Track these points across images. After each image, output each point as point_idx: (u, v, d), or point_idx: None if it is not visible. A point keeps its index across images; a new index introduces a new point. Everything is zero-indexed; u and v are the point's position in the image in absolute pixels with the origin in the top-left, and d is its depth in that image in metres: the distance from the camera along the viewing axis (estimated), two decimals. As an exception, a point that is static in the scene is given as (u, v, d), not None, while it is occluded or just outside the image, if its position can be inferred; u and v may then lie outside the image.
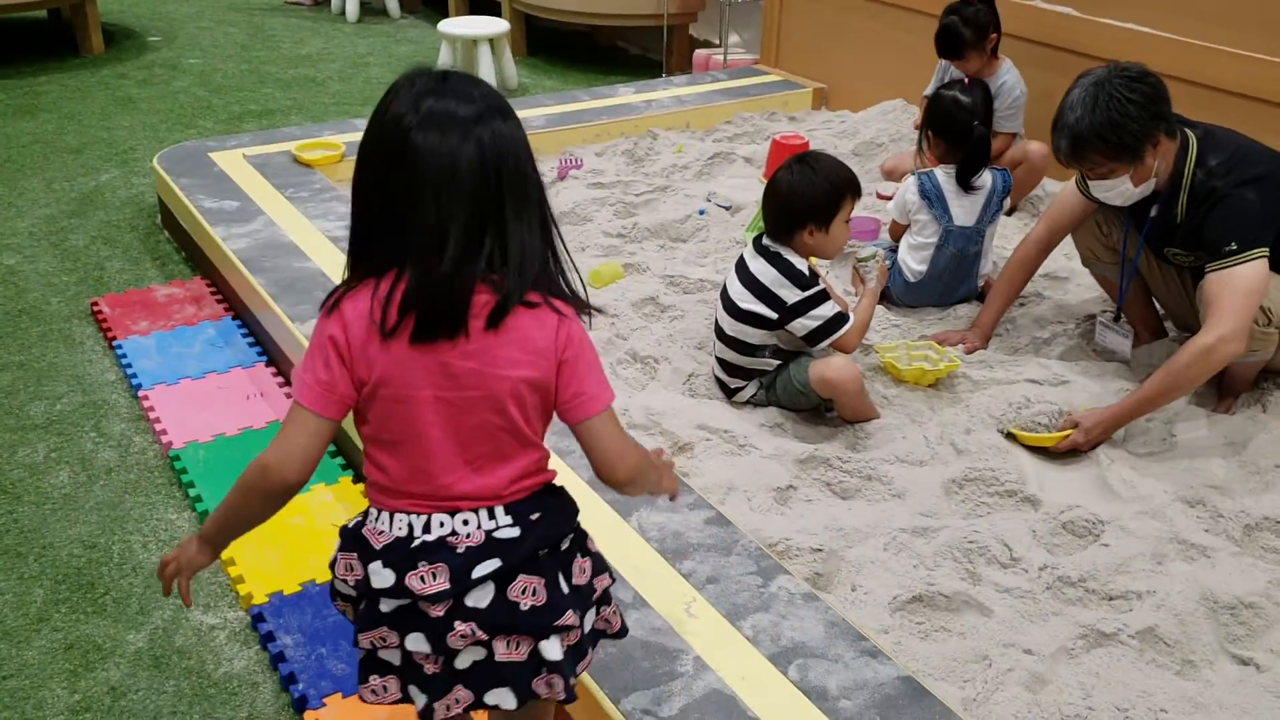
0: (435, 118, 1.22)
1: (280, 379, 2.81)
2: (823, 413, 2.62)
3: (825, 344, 2.51)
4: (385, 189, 1.24)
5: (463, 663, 1.33)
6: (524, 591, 1.32)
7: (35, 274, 3.37)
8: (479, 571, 1.30)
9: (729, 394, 2.67)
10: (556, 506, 1.41)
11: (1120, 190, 2.47)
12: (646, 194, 3.87)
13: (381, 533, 1.33)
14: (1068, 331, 2.95)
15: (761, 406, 2.63)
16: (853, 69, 4.65)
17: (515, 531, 1.33)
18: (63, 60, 5.58)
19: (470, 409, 1.29)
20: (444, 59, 5.22)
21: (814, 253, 2.59)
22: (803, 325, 2.49)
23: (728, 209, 3.73)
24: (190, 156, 3.72)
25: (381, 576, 1.30)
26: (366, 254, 1.28)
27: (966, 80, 3.38)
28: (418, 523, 1.32)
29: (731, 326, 2.59)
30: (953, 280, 3.08)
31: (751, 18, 5.44)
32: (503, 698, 1.34)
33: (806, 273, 2.53)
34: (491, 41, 5.20)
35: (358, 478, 2.44)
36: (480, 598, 1.31)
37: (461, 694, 1.33)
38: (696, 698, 1.66)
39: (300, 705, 1.86)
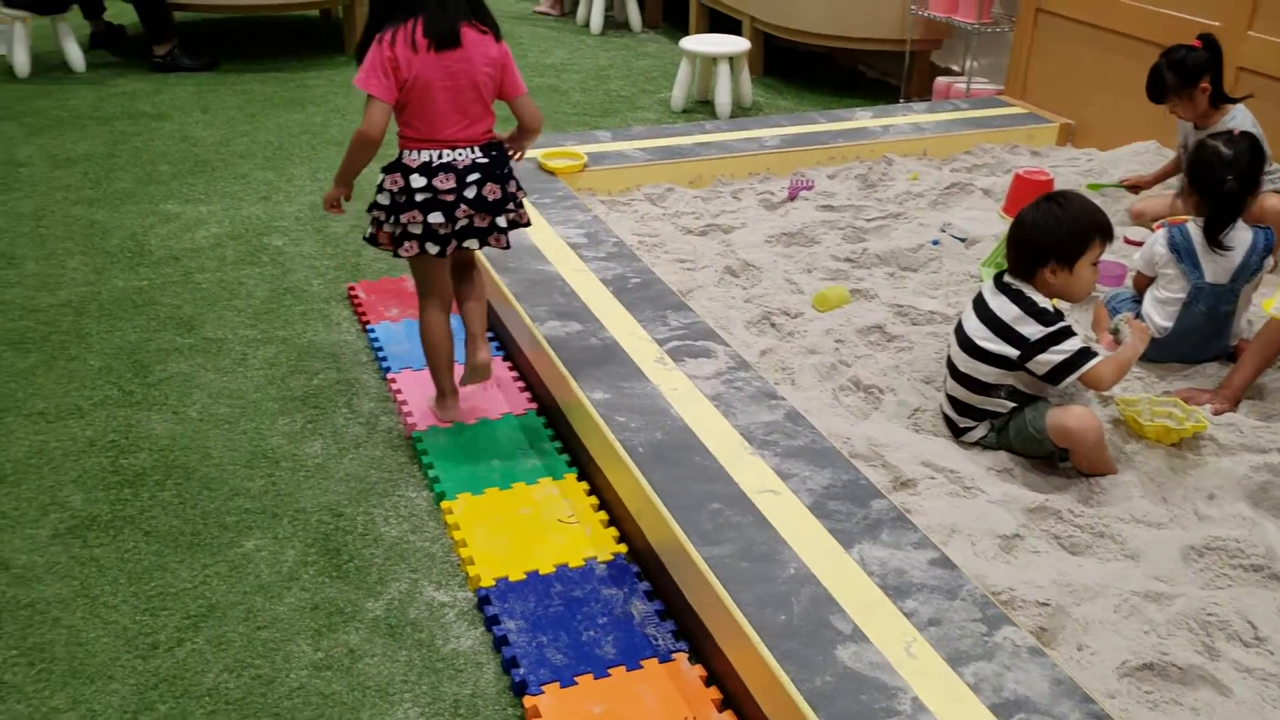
0: None
1: (515, 373, 2.93)
2: (1055, 462, 2.53)
3: (1070, 380, 2.42)
4: None
5: (459, 226, 2.43)
6: (490, 190, 2.45)
7: (299, 256, 3.63)
8: (469, 178, 2.42)
9: (957, 433, 2.62)
10: (500, 150, 2.51)
11: None
12: (878, 220, 3.83)
13: (414, 161, 2.40)
14: (1332, 402, 2.75)
15: (991, 449, 2.57)
16: (1104, 106, 4.47)
17: (485, 158, 2.45)
18: (330, 57, 6.00)
19: (460, 90, 2.38)
20: (682, 74, 5.32)
21: (1057, 294, 2.51)
22: (1046, 361, 2.42)
23: (962, 241, 3.66)
24: (444, 156, 3.92)
25: (418, 180, 2.40)
26: (391, 14, 2.32)
27: (1235, 131, 3.19)
28: (434, 154, 2.41)
29: (966, 364, 2.54)
30: (1201, 339, 2.91)
31: (997, 48, 5.31)
32: (472, 245, 2.48)
33: (1050, 309, 2.46)
34: (731, 60, 5.26)
35: (581, 475, 2.52)
36: (470, 192, 2.42)
37: (454, 243, 2.45)
38: (913, 738, 1.65)
39: (520, 689, 1.94)
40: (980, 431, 2.58)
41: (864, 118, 4.64)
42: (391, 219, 2.43)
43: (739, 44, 5.31)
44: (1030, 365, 2.45)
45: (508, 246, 2.54)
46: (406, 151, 2.42)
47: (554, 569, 2.22)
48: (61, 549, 2.27)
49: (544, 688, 1.94)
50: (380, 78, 2.31)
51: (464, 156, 2.42)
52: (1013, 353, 2.46)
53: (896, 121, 4.59)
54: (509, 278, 3.05)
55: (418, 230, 2.42)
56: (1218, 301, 2.86)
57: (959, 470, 2.46)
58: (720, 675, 1.98)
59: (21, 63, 5.39)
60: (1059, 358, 2.42)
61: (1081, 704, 1.72)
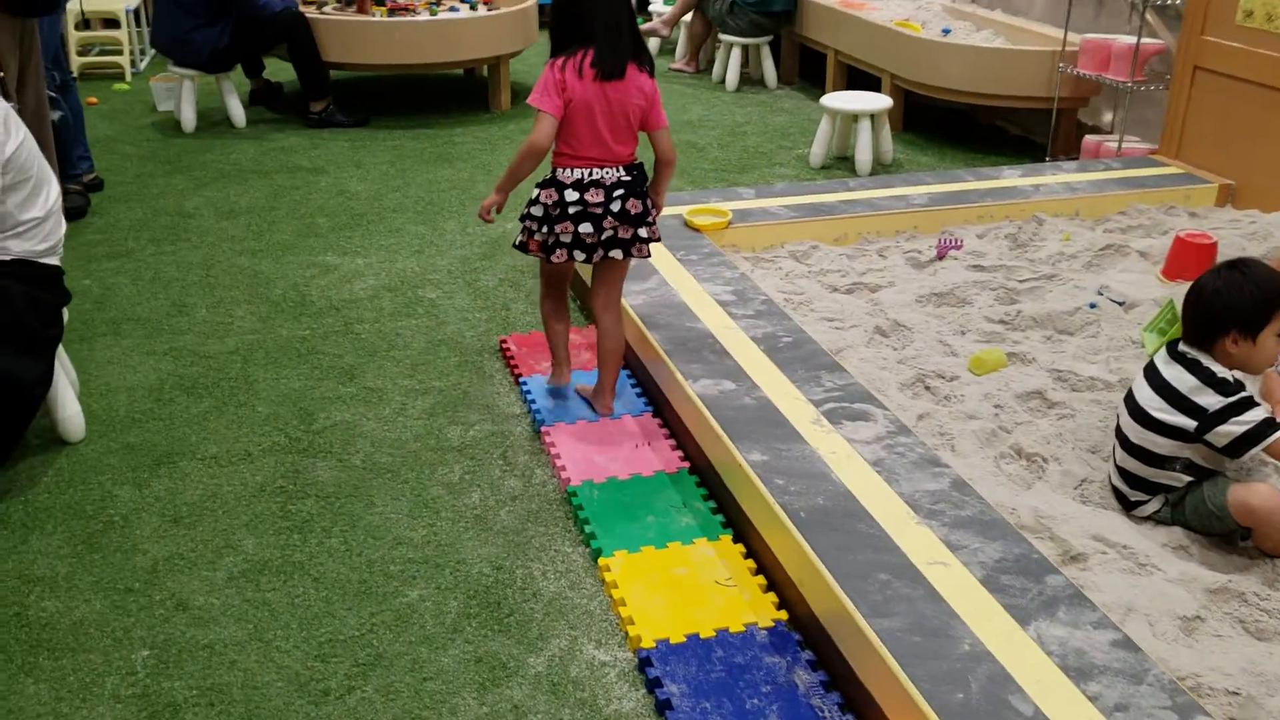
0: None
1: (666, 431, 2.94)
2: (1236, 540, 2.42)
3: (1253, 453, 2.32)
4: (578, 4, 2.67)
5: (605, 236, 2.75)
6: (632, 204, 2.76)
7: (453, 308, 3.72)
8: (615, 193, 2.74)
9: (1128, 506, 2.53)
10: (641, 170, 2.82)
11: None
12: (1031, 281, 3.75)
13: (568, 178, 2.73)
14: None
15: (1165, 524, 2.47)
16: (1267, 166, 4.31)
17: (629, 177, 2.77)
18: (475, 114, 6.18)
19: (614, 116, 2.70)
20: (822, 130, 5.32)
21: (1238, 365, 2.42)
22: (1227, 433, 2.32)
23: (1121, 304, 3.55)
24: (592, 212, 3.99)
25: (571, 194, 2.72)
26: (566, 44, 2.69)
27: None
28: (585, 172, 2.73)
29: (1138, 435, 2.45)
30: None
31: (1148, 106, 5.17)
32: (617, 254, 2.79)
33: (1230, 379, 2.37)
34: (872, 116, 5.24)
35: (737, 537, 2.50)
36: (616, 206, 2.74)
37: (600, 253, 2.77)
38: (1107, 833, 1.57)
39: (684, 756, 1.92)
40: (1153, 506, 2.48)
41: (1012, 176, 4.56)
42: (544, 229, 2.77)
43: (881, 101, 5.29)
44: (1209, 437, 2.36)
45: (649, 255, 2.88)
46: (561, 169, 2.75)
47: (714, 633, 2.20)
48: (236, 592, 2.34)
49: (709, 755, 1.91)
50: (552, 96, 2.66)
51: (611, 175, 2.75)
52: (1190, 424, 2.37)
53: (1047, 180, 4.50)
54: (660, 334, 3.07)
55: (568, 239, 2.75)
56: None
57: (1132, 546, 2.36)
58: (890, 752, 1.92)
59: (189, 118, 5.69)
60: (1241, 429, 2.32)
61: (1288, 806, 1.62)
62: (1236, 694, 1.96)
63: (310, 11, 5.90)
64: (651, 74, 2.78)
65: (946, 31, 6.11)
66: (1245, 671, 2.02)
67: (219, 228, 4.42)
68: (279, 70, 6.46)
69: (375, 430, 2.97)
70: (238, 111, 5.81)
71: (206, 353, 3.39)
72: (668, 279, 3.44)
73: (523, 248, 2.87)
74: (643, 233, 2.80)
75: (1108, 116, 5.56)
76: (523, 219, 2.84)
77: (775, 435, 2.57)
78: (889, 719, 1.91)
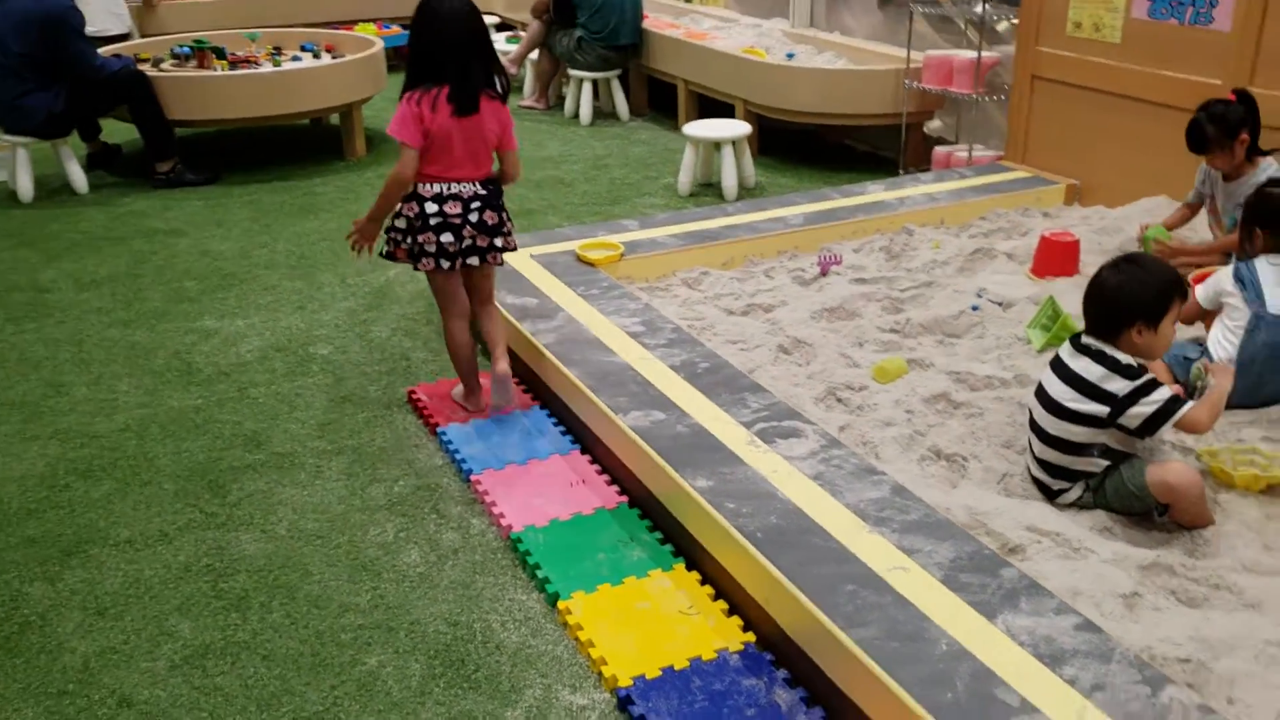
0: (456, 8, 2.89)
1: (598, 466, 2.93)
2: (1154, 517, 2.57)
3: (1165, 428, 2.46)
4: (433, 45, 2.89)
5: (464, 245, 3.01)
6: (489, 216, 3.04)
7: (348, 364, 3.63)
8: (473, 205, 3.00)
9: (1050, 496, 2.65)
10: (496, 185, 3.08)
11: None
12: (912, 289, 3.90)
13: (428, 192, 2.97)
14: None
15: (1087, 509, 2.60)
16: (1107, 165, 4.61)
17: (485, 191, 3.03)
18: (331, 164, 6.04)
19: (472, 141, 2.96)
20: (687, 159, 5.42)
21: (1141, 353, 2.57)
22: (1138, 414, 2.46)
23: (1000, 305, 3.73)
24: (481, 254, 3.96)
25: (431, 206, 2.97)
26: (422, 79, 2.91)
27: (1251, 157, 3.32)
28: (444, 187, 2.97)
29: (1055, 426, 2.58)
30: (1265, 371, 2.97)
31: (988, 116, 5.47)
32: (474, 261, 3.05)
33: (1134, 364, 2.52)
34: (734, 143, 5.37)
35: (690, 565, 2.51)
36: (474, 217, 3.01)
37: (460, 260, 3.03)
38: (1114, 807, 1.64)
39: (684, 790, 1.92)
40: (1075, 493, 2.62)
41: (877, 191, 4.75)
42: (408, 239, 3.02)
43: (741, 127, 5.43)
44: (1123, 420, 2.50)
45: (503, 264, 3.20)
46: (421, 184, 2.98)
47: (688, 663, 2.21)
48: (182, 680, 2.22)
49: (709, 786, 1.91)
50: (411, 129, 2.89)
51: (468, 189, 3.01)
52: (1103, 410, 2.51)
53: (909, 193, 4.70)
54: (578, 370, 3.07)
55: (432, 249, 3.00)
56: (1278, 333, 2.93)
57: (1064, 533, 2.48)
58: (883, 758, 1.96)
59: (25, 187, 5.38)
60: (1151, 409, 2.46)
61: (1265, 759, 1.73)
62: (1188, 661, 2.08)
63: (149, 69, 5.67)
64: (505, 99, 3.06)
65: (791, 56, 6.32)
66: (1191, 639, 2.14)
67: (81, 300, 4.19)
68: (114, 131, 6.18)
69: (294, 496, 2.86)
70: (79, 177, 5.53)
71: (95, 432, 3.20)
72: (574, 315, 3.44)
73: (391, 256, 3.11)
74: (499, 242, 3.10)
75: (950, 128, 5.85)
76: (388, 231, 3.09)
77: (715, 460, 2.60)
78: (878, 725, 1.95)
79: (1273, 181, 3.16)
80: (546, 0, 6.92)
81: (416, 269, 3.06)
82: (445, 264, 3.02)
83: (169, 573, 2.56)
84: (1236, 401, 3.01)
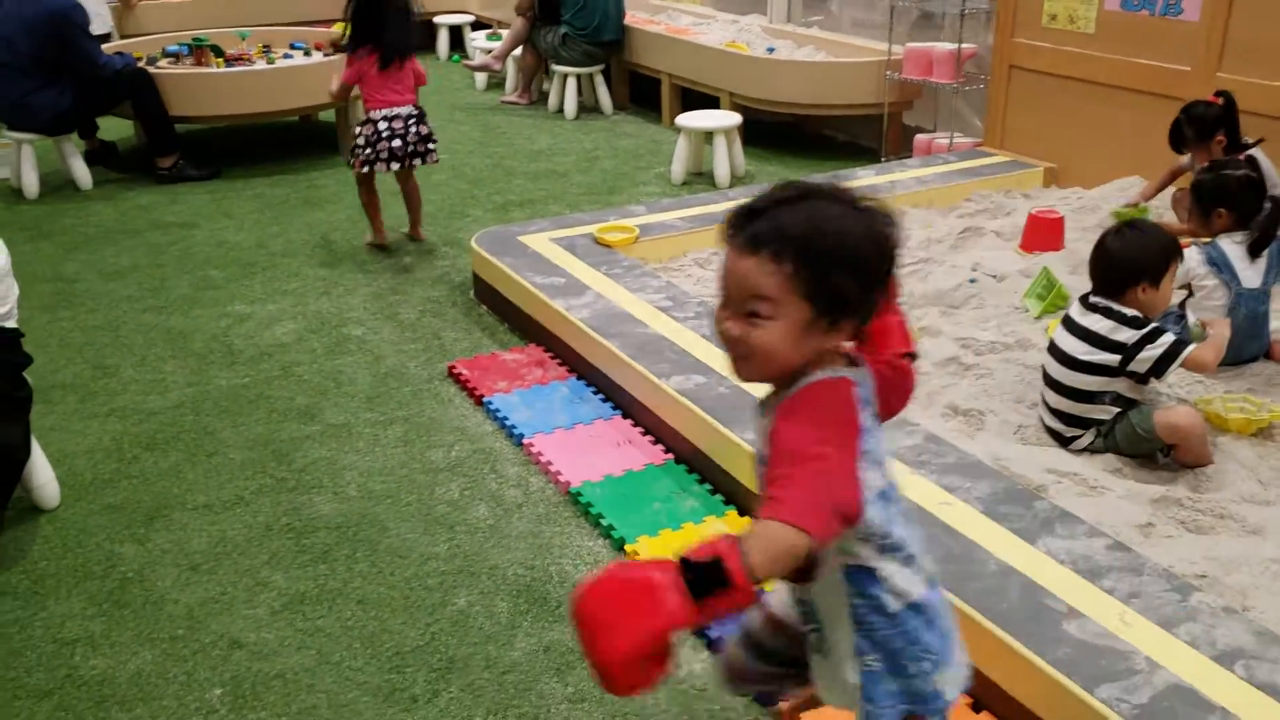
0: None
1: (640, 429, 3.13)
2: (1158, 459, 2.82)
3: (1173, 369, 2.71)
4: (373, 25, 4.27)
5: (409, 150, 4.39)
6: (422, 128, 4.43)
7: (384, 343, 3.79)
8: (410, 121, 4.37)
9: (1064, 443, 2.90)
10: (422, 109, 4.43)
11: None
12: (911, 265, 4.14)
13: (377, 115, 4.31)
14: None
15: (1099, 453, 2.85)
16: (1082, 149, 4.89)
17: (416, 111, 4.40)
18: (328, 158, 6.17)
19: (400, 79, 4.33)
20: (680, 149, 5.63)
21: (1144, 309, 2.81)
22: (1147, 358, 2.71)
23: (994, 278, 3.98)
24: (502, 239, 4.14)
25: (383, 124, 4.30)
26: (363, 42, 4.27)
27: (1243, 156, 3.57)
28: (389, 110, 4.31)
29: (1069, 377, 2.83)
30: (1245, 340, 3.25)
31: (968, 103, 5.75)
32: (417, 162, 4.46)
33: (1140, 316, 2.76)
34: (725, 133, 5.59)
35: (742, 512, 2.72)
36: (413, 128, 4.39)
37: (406, 161, 4.42)
38: (1160, 689, 1.88)
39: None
40: (1088, 439, 2.86)
41: (868, 175, 4.99)
42: (368, 150, 4.31)
43: (731, 118, 5.66)
44: (1133, 366, 2.74)
45: (437, 161, 4.56)
46: (373, 110, 4.32)
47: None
48: (286, 624, 2.38)
49: (790, 695, 2.12)
50: (352, 74, 4.33)
51: (405, 110, 4.35)
52: (1114, 359, 2.76)
53: (899, 177, 4.95)
54: (618, 342, 3.26)
55: (386, 155, 4.32)
56: (1256, 304, 3.21)
57: (1081, 473, 2.73)
58: (942, 667, 2.18)
59: (31, 184, 5.46)
60: (1158, 351, 2.71)
61: (1285, 648, 1.98)
62: (1204, 576, 2.33)
63: (154, 66, 5.77)
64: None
65: (771, 50, 6.55)
66: (1205, 558, 2.39)
67: (109, 289, 4.31)
68: (109, 128, 6.26)
69: (357, 462, 3.03)
70: (83, 173, 5.61)
71: (151, 409, 3.34)
72: (602, 293, 3.63)
73: (351, 165, 4.42)
74: (431, 145, 4.47)
75: (928, 117, 6.12)
76: (353, 150, 4.39)
77: (760, 416, 2.81)
78: (939, 638, 2.17)
79: (1216, 164, 3.41)
80: (531, -2, 7.10)
81: (368, 172, 4.38)
82: (395, 165, 4.40)
83: (251, 532, 2.72)
84: (1221, 364, 3.29)
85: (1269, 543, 2.47)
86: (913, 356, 1.58)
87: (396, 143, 4.32)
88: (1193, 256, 3.28)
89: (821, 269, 1.32)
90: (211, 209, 5.31)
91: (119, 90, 5.53)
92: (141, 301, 4.18)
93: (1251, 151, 3.72)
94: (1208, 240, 3.30)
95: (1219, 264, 3.22)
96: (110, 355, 3.72)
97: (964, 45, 5.46)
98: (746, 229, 1.35)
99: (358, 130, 4.36)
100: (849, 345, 1.43)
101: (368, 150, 4.31)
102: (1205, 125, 3.80)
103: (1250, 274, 3.22)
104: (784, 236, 1.33)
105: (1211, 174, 3.36)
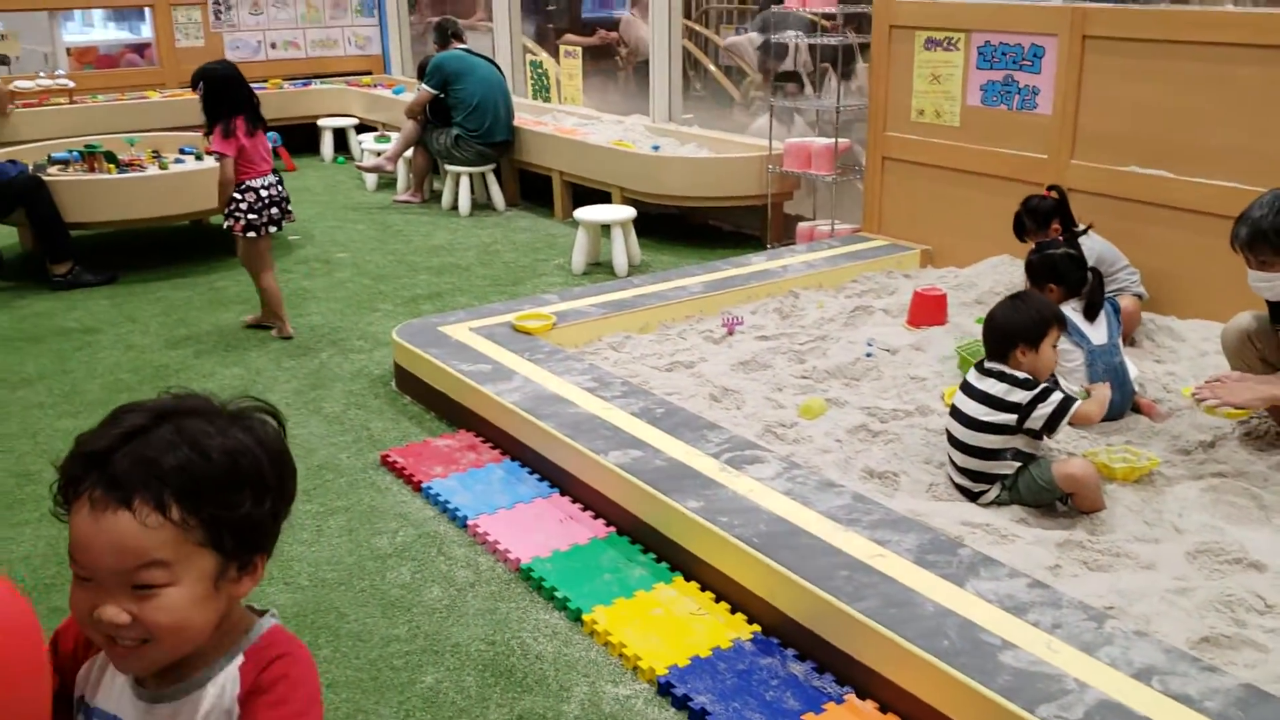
0: (232, 72, 4.79)
1: (580, 504, 3.26)
2: (1058, 507, 3.10)
3: (1063, 424, 3.00)
4: (229, 97, 4.60)
5: (280, 216, 4.77)
6: (284, 190, 4.80)
7: (313, 436, 3.85)
8: (277, 188, 4.76)
9: (972, 497, 3.16)
10: (279, 175, 4.83)
11: (1275, 286, 3.06)
12: (810, 343, 4.43)
13: (257, 183, 4.66)
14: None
15: (1004, 505, 3.11)
16: (954, 231, 5.31)
17: (278, 180, 4.77)
18: (224, 260, 6.18)
19: (265, 145, 4.73)
20: (580, 241, 5.87)
21: (1028, 371, 3.12)
22: (1041, 414, 2.99)
23: (888, 351, 4.29)
24: (422, 331, 4.27)
25: (263, 186, 4.68)
26: (219, 113, 4.55)
27: (1061, 238, 3.97)
28: (264, 179, 4.67)
29: (972, 438, 3.10)
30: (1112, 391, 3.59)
31: (841, 194, 6.16)
32: (284, 224, 4.84)
33: (1030, 378, 3.06)
34: (621, 225, 5.86)
35: (688, 577, 2.88)
36: (280, 196, 4.78)
37: (278, 226, 4.78)
38: (1091, 705, 2.10)
39: (735, 748, 2.27)
40: (994, 493, 3.13)
41: (760, 261, 5.30)
42: (250, 215, 4.64)
43: (626, 211, 5.93)
44: (1029, 424, 3.03)
45: (294, 220, 5.01)
46: (251, 180, 4.65)
47: (710, 652, 2.57)
48: (258, 711, 2.42)
49: (757, 741, 2.27)
50: (230, 144, 4.55)
51: (272, 179, 4.72)
52: (1011, 418, 3.04)
53: (789, 262, 5.27)
54: (552, 422, 3.41)
55: (266, 219, 4.68)
56: (1109, 356, 3.57)
57: (991, 523, 2.98)
58: (890, 703, 2.36)
59: (-82, 294, 5.33)
60: (1050, 408, 3.01)
61: (1193, 663, 2.23)
62: (1111, 607, 2.58)
63: (43, 173, 5.74)
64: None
65: (656, 148, 6.89)
66: (1110, 591, 2.65)
67: (18, 397, 4.25)
68: (-5, 237, 6.17)
69: (305, 553, 3.08)
70: (-28, 282, 5.51)
71: (84, 513, 3.32)
72: (529, 376, 3.79)
73: (230, 230, 4.70)
74: (290, 209, 4.85)
75: (807, 206, 6.51)
76: (233, 215, 4.66)
77: (697, 484, 2.99)
78: (886, 677, 2.36)
79: (1041, 245, 3.85)
80: (422, 102, 7.30)
81: (253, 237, 4.67)
82: (273, 229, 4.75)
83: (209, 625, 2.74)
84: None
85: (1163, 575, 2.75)
86: None
87: (274, 210, 4.72)
88: None
89: (220, 504, 1.11)
90: (113, 313, 5.27)
91: (14, 198, 5.48)
92: (55, 407, 4.14)
93: (1086, 235, 4.15)
94: None
95: (1069, 328, 3.57)
96: (31, 462, 3.68)
97: (839, 140, 5.87)
98: (99, 477, 1.09)
99: (237, 197, 4.62)
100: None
101: (252, 216, 4.64)
102: (1041, 216, 4.28)
103: (1095, 332, 3.60)
104: (160, 475, 1.09)
105: (1039, 254, 3.78)
